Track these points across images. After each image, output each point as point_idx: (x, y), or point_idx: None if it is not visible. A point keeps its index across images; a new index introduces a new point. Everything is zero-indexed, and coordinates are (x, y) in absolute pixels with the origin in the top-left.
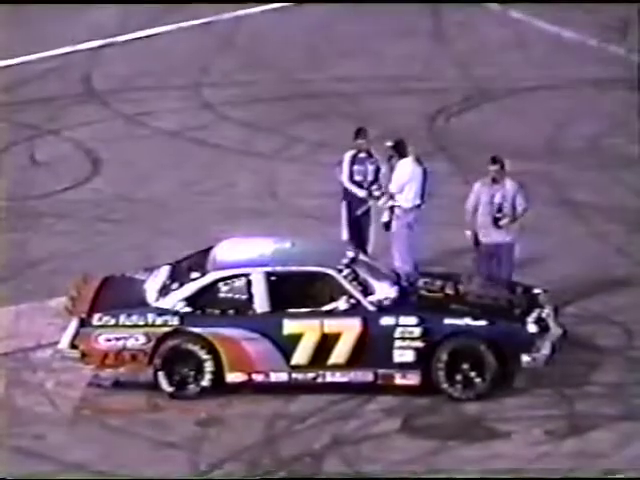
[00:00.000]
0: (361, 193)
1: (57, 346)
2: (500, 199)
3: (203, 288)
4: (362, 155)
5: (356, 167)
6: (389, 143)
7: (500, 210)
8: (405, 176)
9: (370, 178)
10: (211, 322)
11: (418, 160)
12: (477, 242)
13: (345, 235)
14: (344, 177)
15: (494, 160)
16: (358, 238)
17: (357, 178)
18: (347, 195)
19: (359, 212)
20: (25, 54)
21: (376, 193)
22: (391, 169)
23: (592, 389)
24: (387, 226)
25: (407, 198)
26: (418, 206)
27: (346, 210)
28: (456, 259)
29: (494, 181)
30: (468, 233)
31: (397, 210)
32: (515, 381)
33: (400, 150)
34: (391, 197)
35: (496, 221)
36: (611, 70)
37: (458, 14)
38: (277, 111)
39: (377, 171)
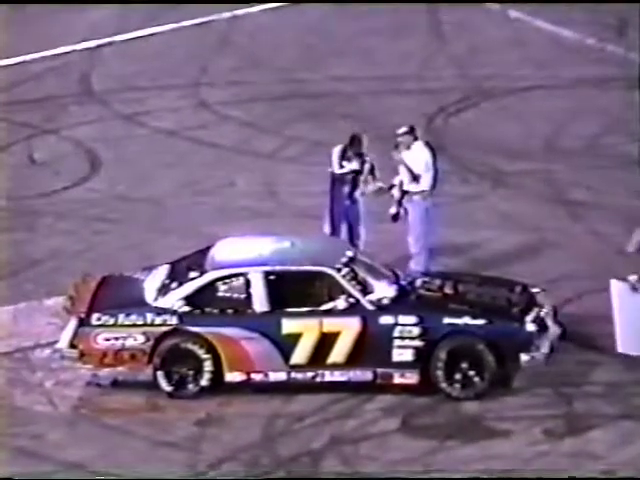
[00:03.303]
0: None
1: (56, 345)
2: None
3: (202, 287)
4: (349, 153)
5: (345, 163)
6: (403, 130)
7: None
8: (428, 157)
9: (363, 173)
10: (210, 321)
11: (428, 144)
12: None
13: (327, 229)
14: (335, 167)
15: None
16: (349, 234)
17: (348, 168)
18: (332, 190)
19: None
20: (24, 54)
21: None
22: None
23: (591, 388)
24: (395, 217)
25: (428, 179)
26: (433, 188)
27: (329, 204)
28: (454, 258)
29: None
30: None
31: (415, 197)
32: (514, 380)
33: (414, 134)
34: (415, 179)
35: None
36: (610, 69)
37: (456, 13)
38: (275, 110)
39: (372, 169)
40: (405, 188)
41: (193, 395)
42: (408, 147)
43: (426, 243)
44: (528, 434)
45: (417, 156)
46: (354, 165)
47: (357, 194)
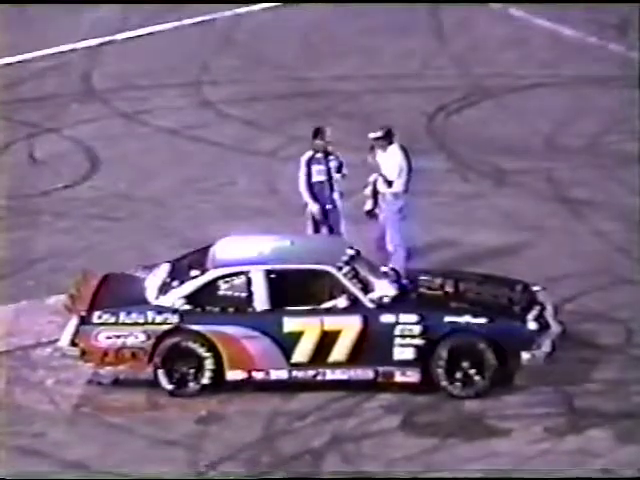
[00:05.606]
0: (313, 207)
1: (57, 344)
2: None
3: (203, 286)
4: (319, 155)
5: (315, 167)
6: (376, 134)
7: None
8: (402, 161)
9: (334, 173)
10: (211, 320)
11: (402, 147)
12: None
13: (309, 232)
14: (300, 181)
15: None
16: (330, 234)
17: (318, 178)
18: (311, 194)
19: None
20: (25, 52)
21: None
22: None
23: (592, 387)
24: (370, 213)
25: (400, 183)
26: (405, 191)
27: (310, 209)
28: (454, 256)
29: None
30: None
31: (388, 197)
32: (515, 379)
33: (389, 138)
34: (389, 184)
35: None
36: (611, 68)
37: (457, 12)
38: (277, 109)
39: (340, 166)
40: (378, 189)
41: (194, 393)
42: (384, 149)
43: (401, 241)
44: (529, 432)
45: (391, 160)
46: (322, 166)
47: (335, 196)
